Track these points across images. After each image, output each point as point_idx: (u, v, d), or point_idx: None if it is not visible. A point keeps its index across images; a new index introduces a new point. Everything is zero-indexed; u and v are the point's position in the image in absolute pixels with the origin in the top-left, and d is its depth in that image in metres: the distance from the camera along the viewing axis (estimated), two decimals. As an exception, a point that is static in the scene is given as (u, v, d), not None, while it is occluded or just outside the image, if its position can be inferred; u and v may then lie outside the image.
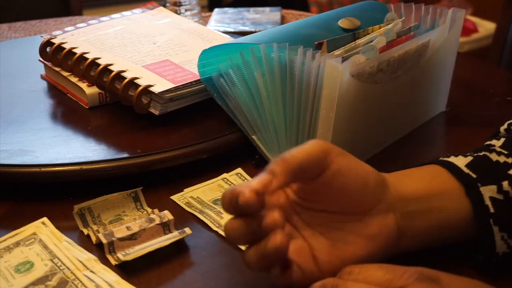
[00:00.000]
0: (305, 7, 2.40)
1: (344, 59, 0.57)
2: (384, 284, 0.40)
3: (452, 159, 0.51)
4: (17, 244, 0.52)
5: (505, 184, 0.48)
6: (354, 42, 0.66)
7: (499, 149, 0.52)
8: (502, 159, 0.50)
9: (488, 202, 0.48)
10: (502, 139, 0.53)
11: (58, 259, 0.50)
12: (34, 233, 0.54)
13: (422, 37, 0.66)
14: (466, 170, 0.50)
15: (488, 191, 0.48)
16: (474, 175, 0.49)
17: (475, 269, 0.50)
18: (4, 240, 0.53)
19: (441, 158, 0.52)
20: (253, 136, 0.65)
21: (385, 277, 0.41)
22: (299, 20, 0.72)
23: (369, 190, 0.47)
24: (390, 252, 0.47)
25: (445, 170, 0.50)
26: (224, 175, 0.63)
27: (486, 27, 2.34)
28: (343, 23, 0.69)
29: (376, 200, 0.47)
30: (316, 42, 0.64)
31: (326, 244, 0.46)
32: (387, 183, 0.48)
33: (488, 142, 0.54)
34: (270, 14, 1.18)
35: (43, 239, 0.53)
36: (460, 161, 0.51)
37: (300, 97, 0.61)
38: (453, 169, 0.50)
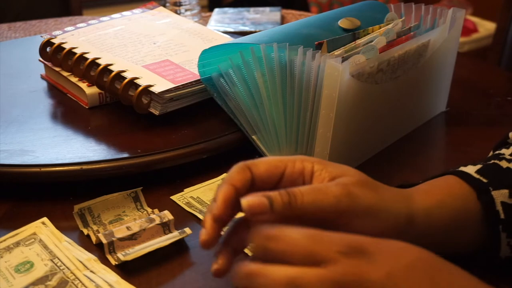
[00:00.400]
0: (305, 7, 2.40)
1: (344, 59, 0.57)
2: (305, 257, 0.37)
3: (461, 168, 0.51)
4: (17, 244, 0.52)
5: None
6: (354, 42, 0.66)
7: (509, 157, 0.51)
8: None
9: (499, 207, 0.48)
10: None
11: (58, 259, 0.50)
12: (34, 233, 0.54)
13: (422, 37, 0.66)
14: (477, 176, 0.49)
15: (500, 196, 0.48)
16: (485, 180, 0.49)
17: (479, 269, 0.50)
18: (4, 240, 0.53)
19: (450, 170, 0.52)
20: (253, 136, 0.65)
21: (309, 248, 0.37)
22: (299, 20, 0.72)
23: (390, 234, 0.43)
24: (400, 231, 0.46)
25: (456, 177, 0.50)
26: (224, 175, 0.63)
27: (486, 27, 2.34)
28: (343, 23, 0.69)
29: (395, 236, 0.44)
30: (316, 42, 0.64)
31: None
32: (413, 222, 0.46)
33: (497, 152, 0.54)
34: (270, 14, 1.18)
35: (43, 239, 0.53)
36: (470, 169, 0.50)
37: (300, 97, 0.61)
38: (463, 175, 0.50)
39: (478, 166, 0.51)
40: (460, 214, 0.48)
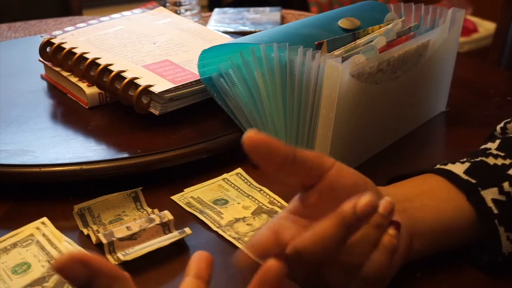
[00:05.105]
0: (305, 7, 2.40)
1: (344, 59, 0.57)
2: None
3: (449, 166, 0.51)
4: (14, 245, 0.52)
5: (505, 185, 0.48)
6: (354, 42, 0.66)
7: (495, 152, 0.52)
8: (499, 161, 0.50)
9: (491, 204, 0.48)
10: (498, 141, 0.53)
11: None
12: (32, 234, 0.54)
13: (422, 37, 0.66)
14: (465, 177, 0.50)
15: (489, 194, 0.48)
16: (473, 181, 0.49)
17: (479, 269, 0.50)
18: (2, 241, 0.53)
19: (438, 166, 0.52)
20: (253, 136, 0.65)
21: None
22: (299, 20, 0.72)
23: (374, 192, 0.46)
24: (408, 250, 0.46)
25: (443, 179, 0.50)
26: (224, 175, 0.63)
27: (486, 27, 2.34)
28: (343, 23, 0.69)
29: None
30: (316, 42, 0.64)
31: None
32: (379, 189, 0.48)
33: (483, 146, 0.54)
34: (270, 14, 1.18)
35: (40, 240, 0.53)
36: (458, 168, 0.51)
37: (300, 97, 0.61)
38: (452, 177, 0.50)
39: (466, 165, 0.51)
40: (449, 216, 0.48)
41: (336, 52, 0.63)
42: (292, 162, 0.41)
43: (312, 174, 0.43)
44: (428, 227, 0.48)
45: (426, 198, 0.49)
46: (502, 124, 0.57)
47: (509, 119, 0.57)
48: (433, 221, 0.48)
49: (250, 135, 0.41)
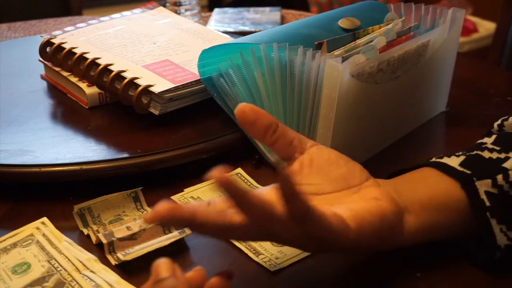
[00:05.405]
0: (305, 7, 2.40)
1: (344, 59, 0.57)
2: None
3: (445, 160, 0.52)
4: (14, 245, 0.52)
5: (499, 178, 0.49)
6: (354, 42, 0.66)
7: (491, 146, 0.52)
8: (494, 155, 0.51)
9: (483, 196, 0.49)
10: (494, 136, 0.54)
11: (55, 260, 0.50)
12: (32, 234, 0.54)
13: (422, 37, 0.66)
14: (460, 168, 0.50)
15: (483, 186, 0.49)
16: (468, 171, 0.50)
17: (479, 268, 0.50)
18: (2, 241, 0.53)
19: (433, 160, 0.53)
20: (253, 136, 0.65)
21: None
22: (299, 20, 0.72)
23: (357, 166, 0.49)
24: (398, 228, 0.47)
25: (438, 171, 0.51)
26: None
27: (486, 27, 2.34)
28: (343, 23, 0.69)
29: (365, 175, 0.48)
30: (316, 42, 0.64)
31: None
32: (369, 174, 0.50)
33: (479, 141, 0.55)
34: (270, 14, 1.18)
35: (40, 240, 0.53)
36: (454, 161, 0.51)
37: (300, 97, 0.61)
38: (447, 169, 0.51)
39: (462, 158, 0.52)
40: (441, 195, 0.49)
41: (336, 52, 0.63)
42: (274, 131, 0.47)
43: (293, 149, 0.48)
44: (418, 202, 0.49)
45: (420, 183, 0.50)
46: (499, 121, 0.57)
47: (506, 117, 0.57)
48: (425, 198, 0.49)
49: (242, 105, 0.47)
